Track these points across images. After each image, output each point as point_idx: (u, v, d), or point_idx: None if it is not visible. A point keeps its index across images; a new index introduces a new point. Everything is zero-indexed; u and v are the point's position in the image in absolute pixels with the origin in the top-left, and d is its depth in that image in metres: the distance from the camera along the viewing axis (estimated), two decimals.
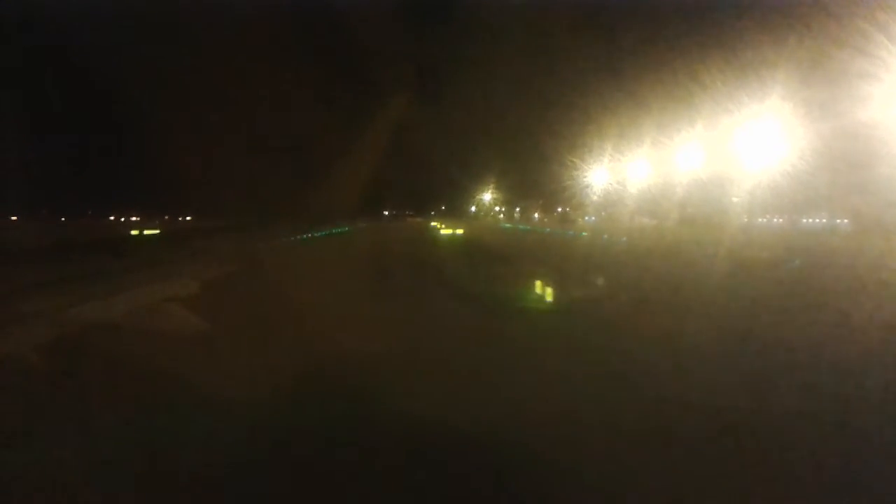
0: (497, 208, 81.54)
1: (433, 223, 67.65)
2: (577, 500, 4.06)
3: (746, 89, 23.40)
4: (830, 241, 33.03)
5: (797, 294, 13.40)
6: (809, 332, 8.81)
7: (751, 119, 25.83)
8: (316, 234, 38.10)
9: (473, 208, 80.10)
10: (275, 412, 5.39)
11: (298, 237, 33.62)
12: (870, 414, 5.44)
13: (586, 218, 56.14)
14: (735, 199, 33.39)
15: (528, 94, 56.94)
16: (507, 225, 66.67)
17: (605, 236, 36.82)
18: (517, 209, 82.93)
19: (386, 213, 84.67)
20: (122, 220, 58.84)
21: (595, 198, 44.87)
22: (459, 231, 45.64)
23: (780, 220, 53.90)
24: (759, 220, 48.28)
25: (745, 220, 37.05)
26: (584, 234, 42.34)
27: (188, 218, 57.80)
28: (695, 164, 33.38)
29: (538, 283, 14.67)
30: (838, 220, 46.20)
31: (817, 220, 54.09)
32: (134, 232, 39.56)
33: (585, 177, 43.22)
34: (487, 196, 75.74)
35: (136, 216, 57.88)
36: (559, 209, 69.16)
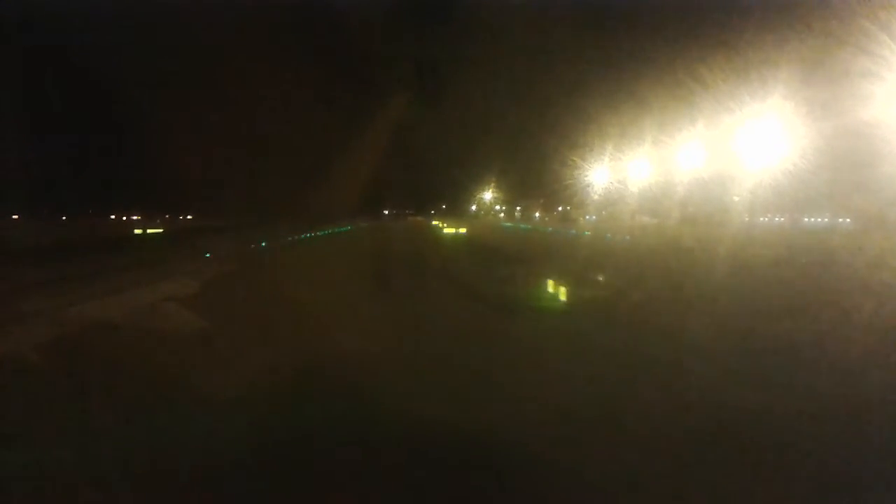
0: (497, 207, 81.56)
1: (434, 222, 67.66)
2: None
3: (748, 88, 23.32)
4: (831, 239, 32.98)
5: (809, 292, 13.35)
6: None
7: (752, 118, 25.78)
8: (319, 234, 38.11)
9: (474, 207, 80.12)
10: (274, 412, 5.38)
11: (302, 236, 33.61)
12: None
13: (587, 217, 56.11)
14: (736, 198, 33.35)
15: (529, 92, 56.62)
16: (508, 224, 66.60)
17: (609, 235, 36.77)
18: (518, 208, 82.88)
19: (386, 212, 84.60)
20: (124, 219, 58.85)
21: (596, 197, 44.85)
22: (463, 230, 45.63)
23: (782, 219, 53.82)
24: (761, 219, 48.25)
25: (747, 219, 37.00)
26: (587, 233, 42.31)
27: (189, 217, 57.88)
28: (696, 162, 33.32)
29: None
30: (840, 220, 46.15)
31: (819, 220, 54.03)
32: (138, 231, 39.65)
33: (586, 176, 43.18)
34: (488, 195, 75.73)
35: (137, 216, 57.92)
36: (560, 208, 69.14)
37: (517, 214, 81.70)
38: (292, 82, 35.36)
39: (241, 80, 38.55)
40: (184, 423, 5.08)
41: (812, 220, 54.55)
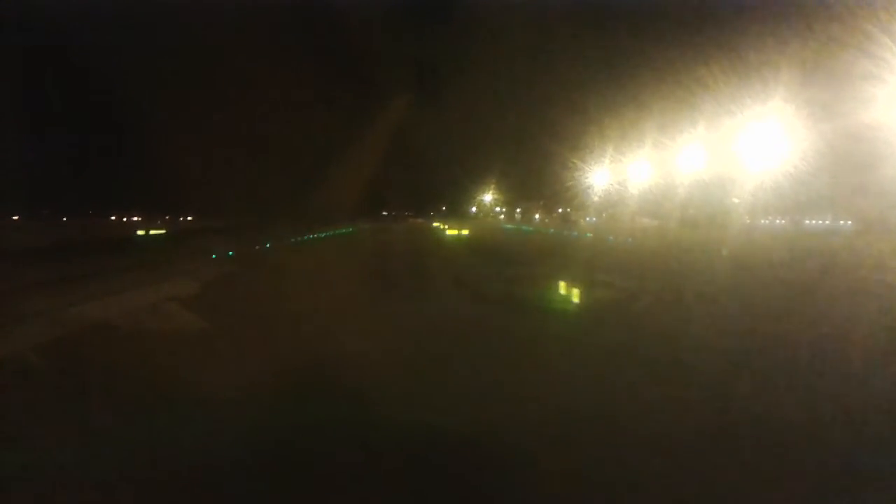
0: (497, 209, 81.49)
1: (435, 223, 67.58)
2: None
3: (749, 90, 23.34)
4: (832, 241, 32.97)
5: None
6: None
7: (753, 120, 25.78)
8: (321, 235, 37.94)
9: (474, 209, 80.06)
10: (275, 413, 5.37)
11: (305, 237, 33.44)
12: None
13: (587, 219, 56.06)
14: (737, 201, 33.37)
15: (529, 94, 56.65)
16: (510, 226, 66.57)
17: (611, 238, 36.71)
18: (518, 210, 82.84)
19: (385, 213, 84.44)
20: (124, 219, 58.84)
21: (596, 199, 44.84)
22: (465, 231, 45.57)
23: (783, 221, 53.81)
24: (762, 221, 48.24)
25: (748, 221, 37.00)
26: (589, 234, 42.24)
27: (189, 218, 57.85)
28: (697, 165, 33.32)
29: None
30: (841, 222, 46.15)
31: (820, 222, 54.04)
32: (140, 232, 39.63)
33: (587, 178, 43.21)
34: (488, 197, 75.71)
35: (138, 216, 57.89)
36: (560, 210, 69.12)
37: (517, 216, 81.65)
38: (292, 83, 35.36)
39: (241, 81, 38.63)
40: (184, 423, 5.07)
41: (813, 222, 54.58)
